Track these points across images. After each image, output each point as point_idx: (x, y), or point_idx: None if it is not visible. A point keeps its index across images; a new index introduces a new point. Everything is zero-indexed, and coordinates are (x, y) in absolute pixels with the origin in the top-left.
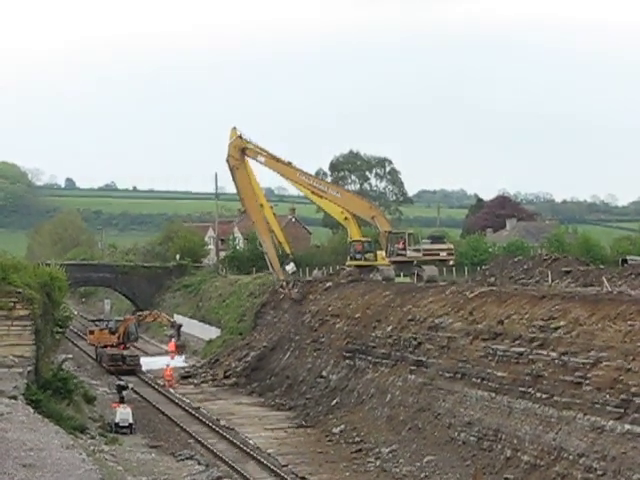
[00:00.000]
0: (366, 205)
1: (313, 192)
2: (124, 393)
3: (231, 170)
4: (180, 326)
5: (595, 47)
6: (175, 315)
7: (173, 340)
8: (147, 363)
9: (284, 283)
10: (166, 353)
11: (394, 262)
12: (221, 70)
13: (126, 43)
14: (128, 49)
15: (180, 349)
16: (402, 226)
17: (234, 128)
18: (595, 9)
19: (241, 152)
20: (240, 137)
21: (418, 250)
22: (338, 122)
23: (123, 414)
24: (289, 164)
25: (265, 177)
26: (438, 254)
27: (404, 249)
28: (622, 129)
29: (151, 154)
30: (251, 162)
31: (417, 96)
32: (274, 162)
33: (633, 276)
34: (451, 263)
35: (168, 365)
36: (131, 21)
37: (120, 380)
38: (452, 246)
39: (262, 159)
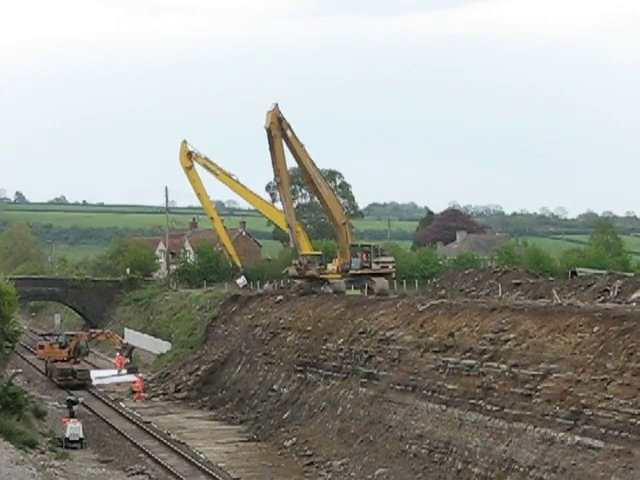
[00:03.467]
0: (340, 210)
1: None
2: (74, 408)
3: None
4: (132, 348)
5: (539, 67)
6: (125, 329)
7: (118, 354)
8: (97, 377)
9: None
10: (115, 367)
11: (358, 275)
12: (172, 82)
13: (73, 52)
14: (76, 60)
15: (131, 371)
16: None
17: (184, 141)
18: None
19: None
20: (190, 153)
21: (378, 263)
22: None
23: (73, 429)
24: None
25: (216, 191)
26: (388, 267)
27: (368, 262)
28: (571, 143)
29: (101, 168)
30: (202, 176)
31: (368, 110)
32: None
33: (582, 288)
34: (393, 275)
35: (139, 377)
36: (78, 29)
37: (70, 395)
38: (393, 258)
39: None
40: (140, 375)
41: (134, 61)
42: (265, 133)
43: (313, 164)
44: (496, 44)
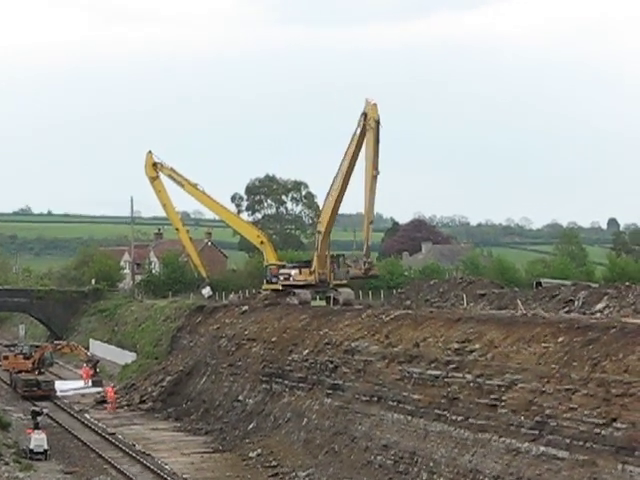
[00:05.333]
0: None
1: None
2: (39, 419)
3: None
4: (97, 362)
5: (498, 76)
6: (91, 340)
7: (85, 365)
8: (62, 388)
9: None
10: (81, 378)
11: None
12: (138, 91)
13: (36, 59)
14: (40, 68)
15: (96, 384)
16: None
17: (150, 152)
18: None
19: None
20: (155, 164)
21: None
22: (255, 145)
23: (38, 440)
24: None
25: (182, 201)
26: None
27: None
28: (535, 154)
29: (66, 178)
30: (167, 186)
31: (334, 120)
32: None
33: (547, 299)
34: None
35: (111, 387)
36: (41, 36)
37: (35, 406)
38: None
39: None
40: (112, 385)
41: (100, 69)
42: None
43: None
44: (462, 53)
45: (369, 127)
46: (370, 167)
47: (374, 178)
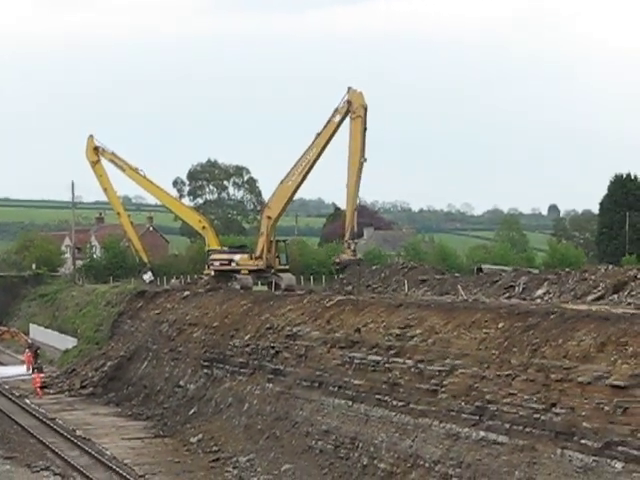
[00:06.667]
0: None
1: None
2: None
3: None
4: (38, 348)
5: (436, 64)
6: (31, 325)
7: (27, 351)
8: (1, 373)
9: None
10: (22, 363)
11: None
12: (77, 75)
13: None
14: None
15: (37, 370)
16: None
17: (91, 136)
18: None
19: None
20: (96, 148)
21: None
22: (197, 130)
23: None
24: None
25: (123, 186)
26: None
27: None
28: (477, 140)
29: (7, 162)
30: (109, 171)
31: (278, 105)
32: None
33: (488, 284)
34: None
35: (36, 371)
36: None
37: None
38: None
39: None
40: (37, 373)
41: (38, 49)
42: None
43: None
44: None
45: (355, 115)
46: (356, 155)
47: (361, 165)
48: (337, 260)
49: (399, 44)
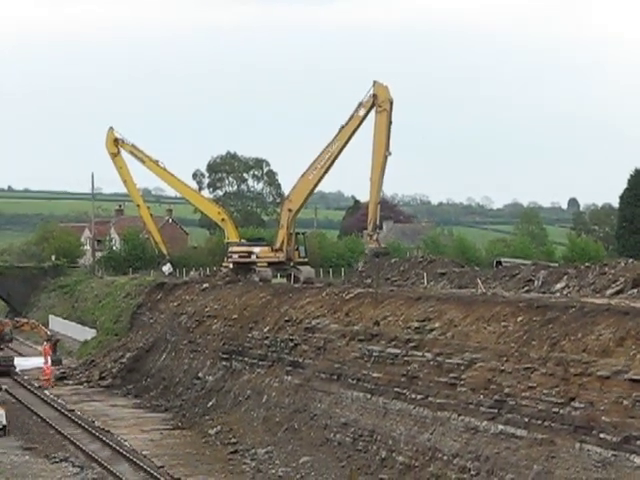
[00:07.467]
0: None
1: None
2: None
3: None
4: (57, 340)
5: (461, 55)
6: (50, 316)
7: (45, 343)
8: (21, 364)
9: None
10: (41, 355)
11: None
12: (99, 68)
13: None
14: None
15: (55, 362)
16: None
17: (111, 128)
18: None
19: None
20: (116, 140)
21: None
22: (217, 123)
23: None
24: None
25: (143, 178)
26: None
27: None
28: (496, 135)
29: (26, 153)
30: (129, 163)
31: (296, 98)
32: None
33: (507, 278)
34: None
35: (46, 363)
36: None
37: None
38: None
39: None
40: (51, 365)
41: (61, 42)
42: None
43: None
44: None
45: (381, 109)
46: (381, 149)
47: (385, 159)
48: (367, 252)
49: (418, 36)
